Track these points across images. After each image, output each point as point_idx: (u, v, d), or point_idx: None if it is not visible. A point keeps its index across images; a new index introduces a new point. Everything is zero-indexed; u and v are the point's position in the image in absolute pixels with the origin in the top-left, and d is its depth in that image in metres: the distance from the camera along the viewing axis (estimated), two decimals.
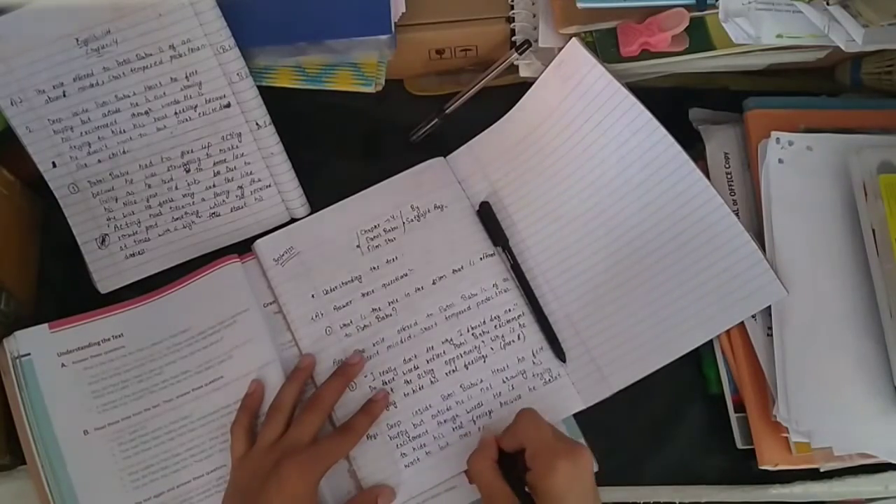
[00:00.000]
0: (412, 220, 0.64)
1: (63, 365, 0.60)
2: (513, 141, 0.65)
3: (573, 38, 0.62)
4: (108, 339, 0.61)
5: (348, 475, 0.59)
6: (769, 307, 0.58)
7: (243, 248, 0.65)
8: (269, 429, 0.57)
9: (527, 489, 0.52)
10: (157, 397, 0.60)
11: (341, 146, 0.69)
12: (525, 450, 0.52)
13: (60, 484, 0.58)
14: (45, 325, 0.61)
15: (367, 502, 0.57)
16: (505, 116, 0.66)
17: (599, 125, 0.62)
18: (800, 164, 0.59)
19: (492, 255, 0.63)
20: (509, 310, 0.62)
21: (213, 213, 0.65)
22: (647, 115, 0.60)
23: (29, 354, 0.60)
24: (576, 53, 0.62)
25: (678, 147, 0.60)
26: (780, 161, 0.59)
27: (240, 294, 0.62)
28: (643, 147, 0.61)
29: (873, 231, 0.56)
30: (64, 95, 0.62)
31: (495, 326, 0.61)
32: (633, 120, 0.61)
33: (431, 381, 0.60)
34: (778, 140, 0.59)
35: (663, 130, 0.60)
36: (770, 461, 0.57)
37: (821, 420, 0.55)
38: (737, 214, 0.61)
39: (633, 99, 0.60)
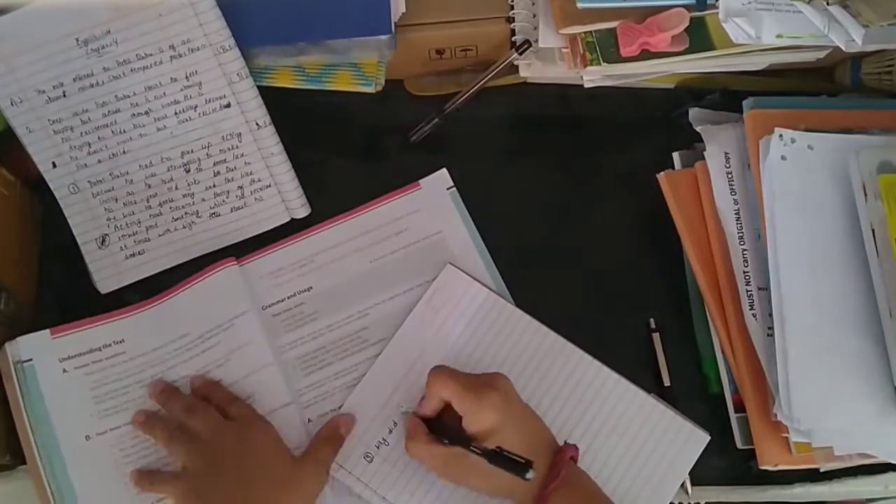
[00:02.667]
0: None
1: (65, 370, 0.60)
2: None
3: (448, 265, 0.63)
4: (110, 345, 0.61)
5: None
6: (770, 306, 0.57)
7: (243, 248, 0.65)
8: (181, 447, 0.56)
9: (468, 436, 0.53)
10: None
11: (341, 146, 0.69)
12: (449, 405, 0.54)
13: (62, 489, 0.58)
14: (47, 330, 0.61)
15: (330, 427, 0.59)
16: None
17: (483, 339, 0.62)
18: (801, 162, 0.59)
19: None
20: None
21: (214, 214, 0.65)
22: (527, 317, 0.62)
23: (31, 360, 0.60)
24: (452, 278, 0.63)
25: (567, 342, 0.61)
26: (783, 158, 0.59)
27: (237, 297, 0.62)
28: (533, 347, 0.61)
29: (873, 231, 0.56)
30: (64, 95, 0.62)
31: None
32: (516, 324, 0.62)
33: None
34: (781, 136, 0.59)
35: (545, 329, 0.61)
36: (770, 461, 0.57)
37: (821, 419, 0.55)
38: (737, 215, 0.61)
39: (510, 306, 0.62)
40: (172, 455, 0.57)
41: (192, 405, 0.58)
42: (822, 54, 0.64)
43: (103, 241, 0.64)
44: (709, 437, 0.59)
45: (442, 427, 0.56)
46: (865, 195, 0.57)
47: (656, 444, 0.59)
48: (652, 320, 0.64)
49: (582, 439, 0.59)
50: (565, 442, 0.55)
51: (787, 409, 0.55)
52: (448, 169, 0.67)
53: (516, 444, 0.52)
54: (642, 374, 0.61)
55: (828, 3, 0.57)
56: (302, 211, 0.66)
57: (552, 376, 0.61)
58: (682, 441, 0.59)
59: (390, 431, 0.60)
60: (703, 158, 0.62)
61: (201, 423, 0.57)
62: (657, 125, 0.69)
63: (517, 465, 0.50)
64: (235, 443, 0.56)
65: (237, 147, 0.64)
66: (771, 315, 0.58)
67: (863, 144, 0.59)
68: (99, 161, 0.63)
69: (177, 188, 0.65)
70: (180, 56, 0.62)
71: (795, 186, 0.59)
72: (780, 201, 0.58)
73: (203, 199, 0.65)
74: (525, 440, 0.53)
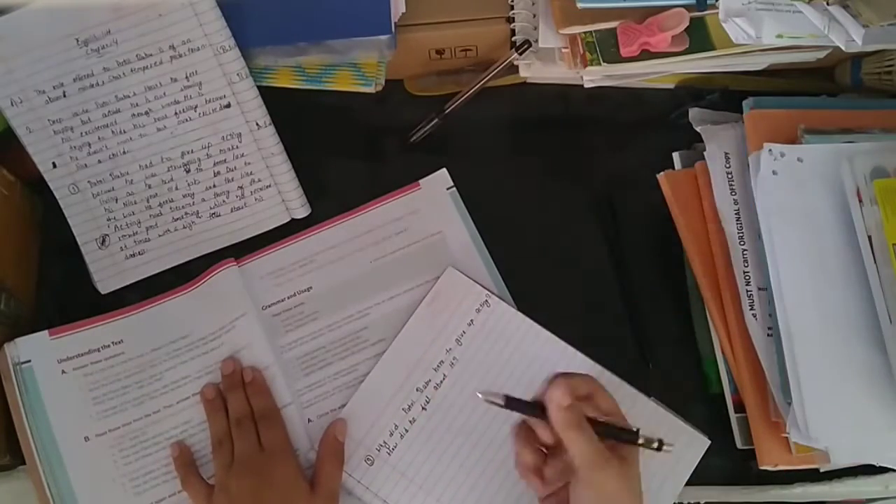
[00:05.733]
0: None
1: (63, 372, 0.60)
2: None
3: (449, 268, 0.63)
4: (108, 346, 0.61)
5: None
6: (770, 306, 0.57)
7: (243, 248, 0.65)
8: (222, 457, 0.57)
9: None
10: (157, 403, 0.60)
11: (341, 146, 0.69)
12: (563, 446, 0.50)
13: (62, 490, 0.58)
14: (45, 331, 0.61)
15: (329, 440, 0.58)
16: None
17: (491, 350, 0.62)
18: (792, 175, 0.59)
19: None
20: None
21: (214, 214, 0.65)
22: (528, 321, 0.62)
23: (29, 361, 0.60)
24: (453, 281, 0.63)
25: (567, 346, 0.61)
26: (774, 172, 0.59)
27: (238, 298, 0.62)
28: (534, 351, 0.61)
29: (869, 238, 0.56)
30: (64, 96, 0.62)
31: None
32: (517, 328, 0.62)
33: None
34: (770, 151, 0.59)
35: (546, 333, 0.61)
36: (770, 461, 0.57)
37: (839, 436, 0.54)
38: (737, 215, 0.61)
39: (511, 310, 0.62)
40: (213, 456, 0.58)
41: (242, 418, 0.58)
42: (822, 54, 0.64)
43: (103, 241, 0.64)
44: (709, 442, 0.59)
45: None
46: (861, 202, 0.57)
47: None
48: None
49: None
50: None
51: (804, 429, 0.54)
52: (448, 169, 0.67)
53: None
54: (642, 375, 0.61)
55: (828, 3, 0.57)
56: (302, 211, 0.66)
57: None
58: (682, 445, 0.59)
59: (391, 434, 0.60)
60: (703, 158, 0.62)
61: (240, 442, 0.57)
62: (657, 125, 0.69)
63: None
64: (256, 482, 0.55)
65: (237, 147, 0.64)
66: (771, 315, 0.57)
67: (854, 151, 0.58)
68: (99, 161, 0.63)
69: (177, 188, 0.65)
70: (180, 56, 0.62)
71: (789, 200, 0.58)
72: (775, 217, 0.58)
73: (203, 200, 0.65)
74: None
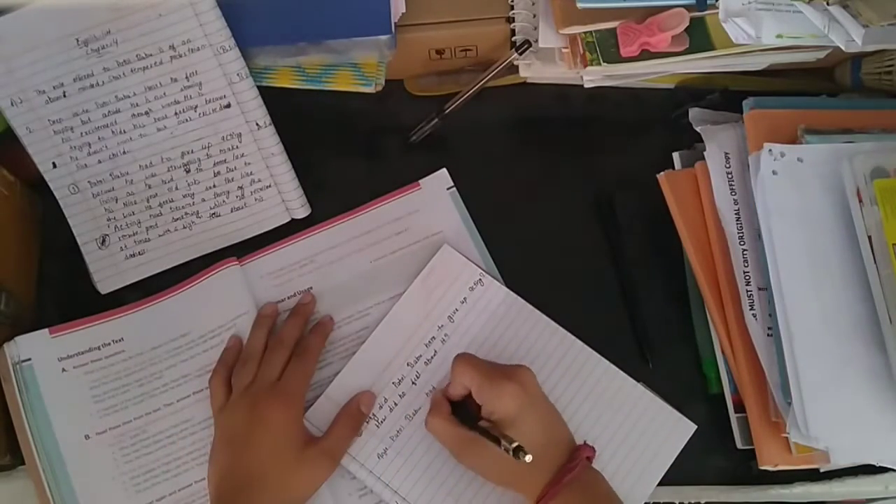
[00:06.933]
0: None
1: (64, 370, 0.60)
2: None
3: (445, 245, 0.63)
4: (109, 344, 0.61)
5: None
6: (770, 306, 0.58)
7: (243, 248, 0.65)
8: (241, 375, 0.58)
9: (487, 425, 0.53)
10: (157, 401, 0.60)
11: (341, 146, 0.69)
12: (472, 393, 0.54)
13: (62, 488, 0.58)
14: (46, 330, 0.61)
15: (352, 406, 0.59)
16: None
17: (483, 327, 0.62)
18: (793, 175, 0.59)
19: None
20: None
21: (214, 214, 0.65)
22: (520, 301, 0.62)
23: (30, 360, 0.60)
24: (448, 259, 0.63)
25: (559, 327, 0.62)
26: (774, 173, 0.59)
27: (239, 297, 0.62)
28: (525, 329, 0.62)
29: (869, 238, 0.56)
30: (64, 96, 0.62)
31: None
32: (510, 306, 0.62)
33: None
34: (770, 151, 0.59)
35: (538, 313, 0.62)
36: (770, 461, 0.57)
37: (840, 436, 0.54)
38: (737, 215, 0.61)
39: (503, 289, 0.63)
40: (235, 369, 0.59)
41: (282, 344, 0.59)
42: (822, 54, 0.64)
43: (103, 241, 0.64)
44: (695, 427, 0.59)
45: (466, 411, 0.56)
46: (861, 202, 0.57)
47: (643, 431, 0.59)
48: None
49: (569, 423, 0.59)
50: (584, 442, 0.55)
51: (804, 429, 0.54)
52: (448, 169, 0.67)
53: (534, 436, 0.52)
54: (642, 375, 0.61)
55: (828, 3, 0.57)
56: (302, 211, 0.66)
57: (543, 359, 0.61)
58: (668, 429, 0.59)
59: (380, 407, 0.60)
60: (703, 158, 0.62)
61: (265, 366, 0.58)
62: (657, 125, 0.69)
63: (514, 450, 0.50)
64: (256, 419, 0.56)
65: (237, 147, 0.64)
66: (771, 315, 0.58)
67: (854, 151, 0.58)
68: (99, 161, 0.63)
69: (177, 188, 0.65)
70: (180, 56, 0.62)
71: (790, 201, 0.58)
72: (775, 217, 0.58)
73: (203, 200, 0.65)
74: (542, 433, 0.53)
